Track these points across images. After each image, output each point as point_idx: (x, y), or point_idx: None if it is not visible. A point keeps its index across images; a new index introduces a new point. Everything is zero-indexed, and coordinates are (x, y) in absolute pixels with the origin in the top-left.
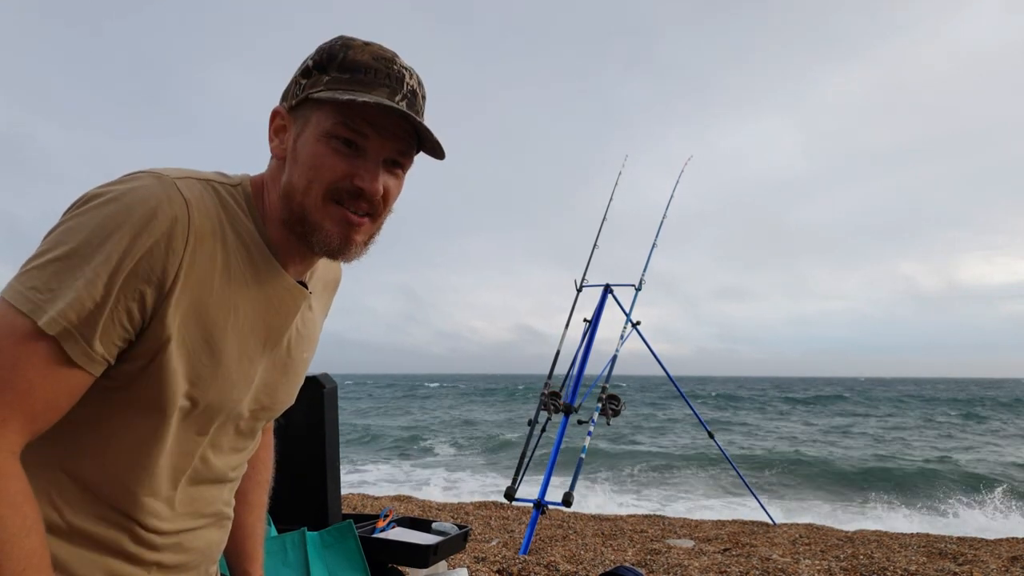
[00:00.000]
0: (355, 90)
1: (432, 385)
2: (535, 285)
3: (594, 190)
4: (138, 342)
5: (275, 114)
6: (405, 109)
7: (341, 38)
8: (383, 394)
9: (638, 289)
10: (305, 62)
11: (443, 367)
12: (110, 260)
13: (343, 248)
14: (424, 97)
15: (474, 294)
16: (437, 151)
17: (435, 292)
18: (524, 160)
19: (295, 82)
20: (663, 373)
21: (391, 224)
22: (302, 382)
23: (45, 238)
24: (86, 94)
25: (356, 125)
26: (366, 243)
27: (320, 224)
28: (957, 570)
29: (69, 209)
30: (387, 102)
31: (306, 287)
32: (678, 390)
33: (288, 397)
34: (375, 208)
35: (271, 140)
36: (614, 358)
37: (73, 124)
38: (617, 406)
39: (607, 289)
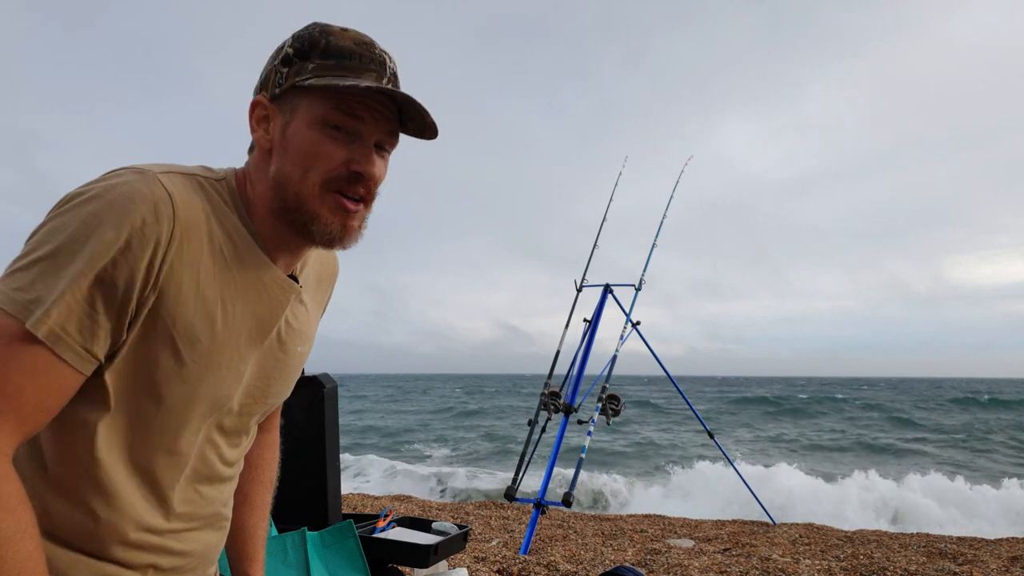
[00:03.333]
0: (345, 76)
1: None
2: (517, 286)
3: (576, 191)
4: (128, 338)
5: (256, 104)
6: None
7: (316, 25)
8: (373, 394)
9: (638, 289)
10: (283, 50)
11: (431, 367)
12: (95, 257)
13: (342, 236)
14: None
15: (457, 294)
16: (429, 131)
17: (415, 293)
18: (504, 159)
19: (275, 71)
20: (663, 373)
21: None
22: (297, 376)
23: (29, 239)
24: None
25: (351, 109)
26: (360, 229)
27: (318, 213)
28: (957, 570)
29: (52, 209)
30: (381, 85)
31: (296, 280)
32: (678, 390)
33: (282, 392)
34: (370, 192)
35: (254, 131)
36: (614, 358)
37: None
38: (617, 406)
39: (607, 289)
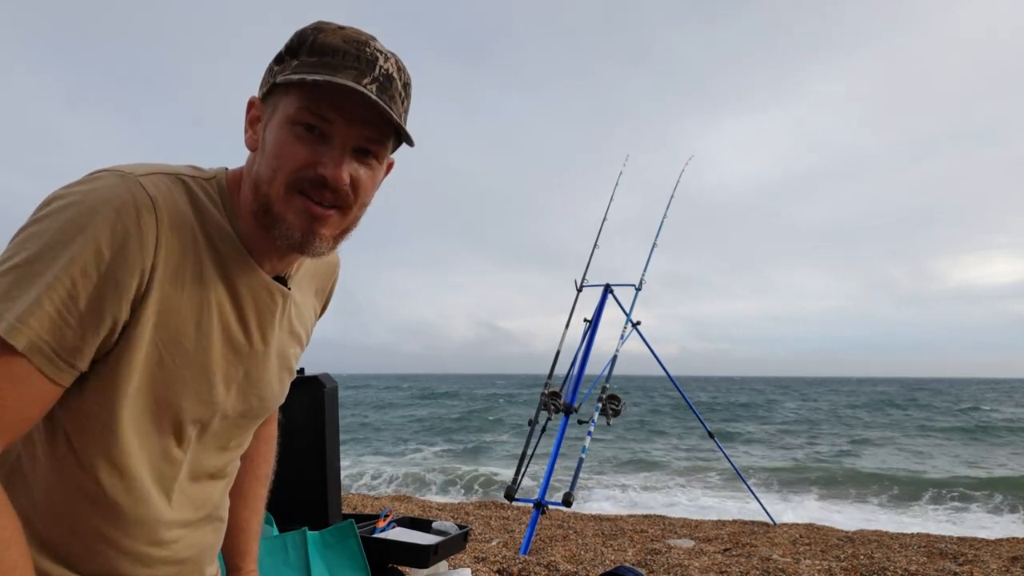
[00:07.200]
0: (318, 72)
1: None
2: (503, 286)
3: (560, 192)
4: (114, 347)
5: (250, 104)
6: (373, 92)
7: (316, 22)
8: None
9: (638, 289)
10: (280, 48)
11: (417, 367)
12: (74, 266)
13: (305, 242)
14: (406, 84)
15: (444, 294)
16: (407, 138)
17: (396, 291)
18: (493, 157)
19: (268, 69)
20: (663, 373)
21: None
22: (292, 377)
23: (8, 244)
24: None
25: (319, 109)
26: (334, 237)
27: (283, 216)
28: (957, 570)
29: (33, 213)
30: (349, 83)
31: (286, 284)
32: (678, 389)
33: (277, 395)
34: (342, 199)
35: (246, 131)
36: (614, 358)
37: None
38: (617, 406)
39: (607, 289)
